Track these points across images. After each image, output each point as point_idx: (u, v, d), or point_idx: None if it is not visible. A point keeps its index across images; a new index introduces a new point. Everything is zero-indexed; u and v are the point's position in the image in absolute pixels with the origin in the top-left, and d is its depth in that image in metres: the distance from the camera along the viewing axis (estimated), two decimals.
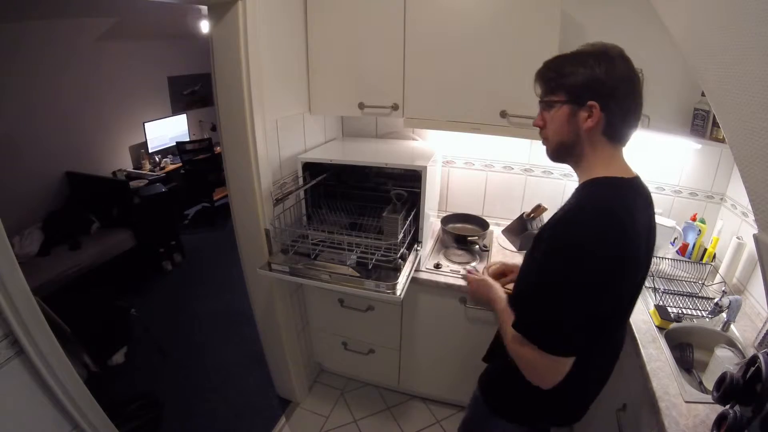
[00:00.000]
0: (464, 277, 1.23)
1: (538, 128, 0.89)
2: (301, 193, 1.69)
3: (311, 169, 1.67)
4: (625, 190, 0.81)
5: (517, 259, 1.68)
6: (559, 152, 0.87)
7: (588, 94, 0.78)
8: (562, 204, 0.86)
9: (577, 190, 0.86)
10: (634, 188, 0.83)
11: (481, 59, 1.46)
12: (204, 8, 1.44)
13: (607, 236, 0.72)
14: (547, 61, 0.86)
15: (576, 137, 0.82)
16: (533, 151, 1.88)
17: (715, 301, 1.34)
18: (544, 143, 0.89)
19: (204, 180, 4.19)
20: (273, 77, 1.47)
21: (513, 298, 0.96)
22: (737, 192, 1.60)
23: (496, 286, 1.07)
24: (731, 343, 1.27)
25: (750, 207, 0.73)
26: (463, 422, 1.24)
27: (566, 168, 0.94)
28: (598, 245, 0.72)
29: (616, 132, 0.80)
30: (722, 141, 1.36)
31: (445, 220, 1.93)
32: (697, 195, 1.73)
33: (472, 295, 1.15)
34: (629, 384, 1.31)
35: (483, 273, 1.20)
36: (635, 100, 0.79)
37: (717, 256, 1.65)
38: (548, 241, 0.80)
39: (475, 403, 1.12)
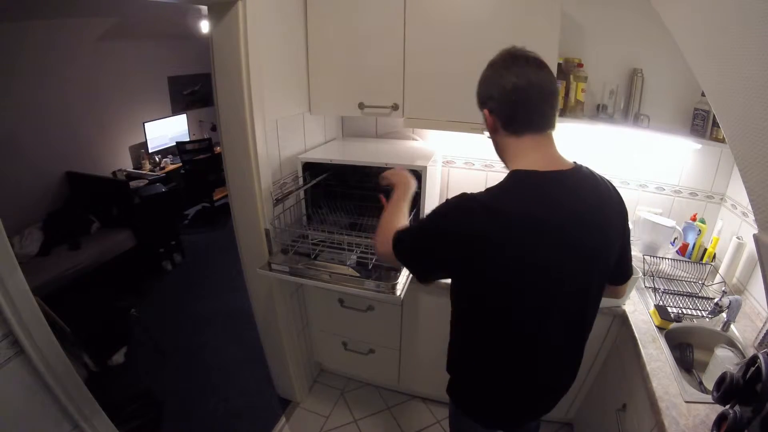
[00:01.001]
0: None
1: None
2: (301, 193, 1.69)
3: (311, 169, 1.67)
4: (528, 182, 0.81)
5: None
6: (497, 153, 0.94)
7: (479, 102, 0.90)
8: None
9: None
10: (548, 180, 0.81)
11: (482, 59, 1.45)
12: (204, 8, 1.44)
13: (460, 209, 0.81)
14: None
15: (493, 139, 0.92)
16: None
17: (715, 301, 1.34)
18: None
19: (204, 180, 4.19)
20: (273, 77, 1.47)
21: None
22: (737, 192, 1.60)
23: (409, 188, 1.21)
24: (731, 343, 1.27)
25: (750, 207, 0.73)
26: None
27: None
28: (450, 210, 0.83)
29: (514, 126, 0.85)
30: (722, 141, 1.36)
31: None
32: (697, 195, 1.73)
33: (393, 176, 1.26)
34: (629, 384, 1.31)
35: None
36: (533, 93, 0.82)
37: (717, 256, 1.65)
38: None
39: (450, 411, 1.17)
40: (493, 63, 0.88)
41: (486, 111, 0.88)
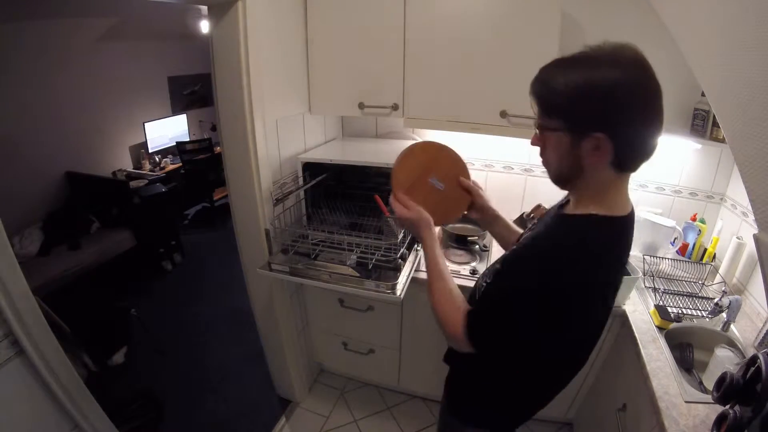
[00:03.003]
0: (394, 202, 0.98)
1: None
2: (301, 193, 1.69)
3: (311, 169, 1.67)
4: (613, 231, 0.73)
5: None
6: (560, 181, 0.76)
7: (592, 122, 0.64)
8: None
9: (561, 218, 0.79)
10: (622, 227, 0.75)
11: (482, 59, 1.46)
12: (204, 8, 1.44)
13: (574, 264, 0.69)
14: (542, 69, 0.72)
15: (579, 169, 0.70)
16: (533, 151, 1.86)
17: (715, 301, 1.34)
18: (544, 165, 0.77)
19: (204, 180, 4.19)
20: (273, 77, 1.47)
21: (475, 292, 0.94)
22: (737, 192, 1.60)
23: (433, 228, 0.95)
24: (731, 343, 1.27)
25: (750, 207, 0.73)
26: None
27: None
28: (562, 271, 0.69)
29: (627, 161, 0.67)
30: (722, 141, 1.36)
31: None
32: (697, 195, 1.73)
33: (405, 223, 0.97)
34: (629, 384, 1.31)
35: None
36: (655, 115, 0.64)
37: (717, 256, 1.65)
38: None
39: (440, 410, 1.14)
40: (633, 62, 0.63)
41: (603, 136, 0.63)
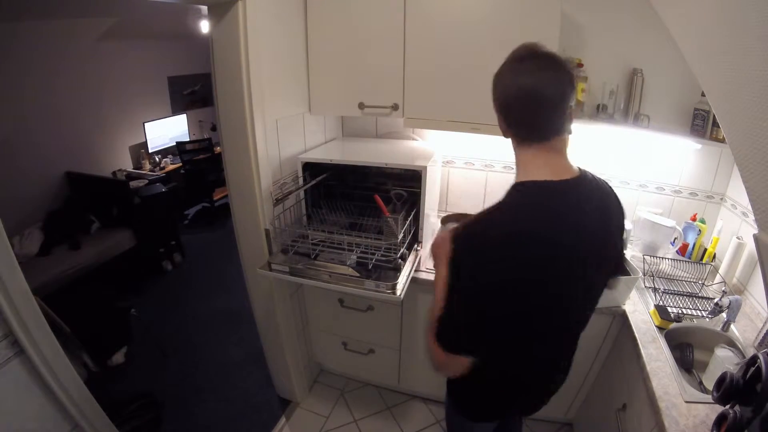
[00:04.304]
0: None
1: None
2: (301, 193, 1.69)
3: (311, 169, 1.67)
4: (543, 194, 0.78)
5: None
6: None
7: (494, 101, 0.83)
8: None
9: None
10: (553, 192, 0.78)
11: (481, 59, 1.45)
12: (204, 8, 1.44)
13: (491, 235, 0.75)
14: None
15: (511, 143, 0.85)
16: None
17: (715, 301, 1.34)
18: None
19: (204, 180, 4.19)
20: (273, 77, 1.47)
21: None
22: (737, 192, 1.60)
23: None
24: (731, 343, 1.27)
25: (750, 207, 0.73)
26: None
27: None
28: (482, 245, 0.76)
29: (522, 133, 0.81)
30: (722, 141, 1.36)
31: (446, 220, 1.93)
32: (697, 195, 1.73)
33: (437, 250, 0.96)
34: (629, 384, 1.31)
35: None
36: (528, 100, 0.77)
37: (717, 256, 1.65)
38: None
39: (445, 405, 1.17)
40: (506, 60, 0.81)
41: (498, 113, 0.83)
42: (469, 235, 0.78)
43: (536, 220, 0.75)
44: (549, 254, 0.75)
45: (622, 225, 0.92)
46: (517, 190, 0.79)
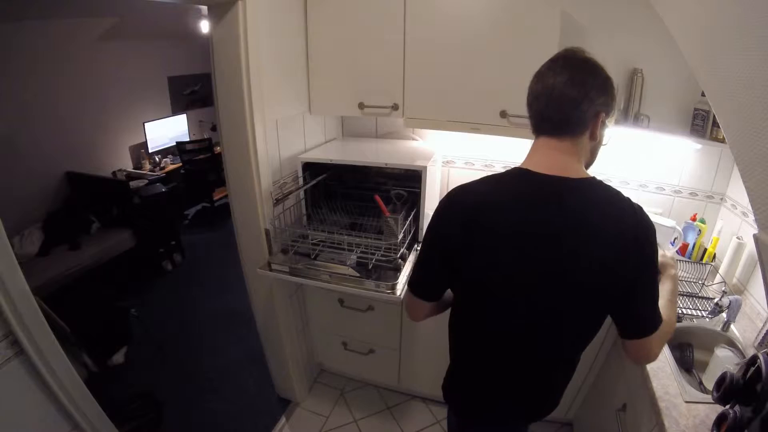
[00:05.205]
0: None
1: None
2: (301, 193, 1.69)
3: (311, 169, 1.67)
4: (506, 179, 0.85)
5: None
6: None
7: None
8: None
9: None
10: (536, 181, 0.80)
11: (481, 59, 1.46)
12: (204, 8, 1.44)
13: (440, 209, 0.88)
14: None
15: None
16: None
17: (715, 301, 1.34)
18: None
19: (204, 180, 4.19)
20: (273, 77, 1.47)
21: None
22: (737, 192, 1.60)
23: None
24: (731, 343, 1.27)
25: (750, 207, 0.73)
26: None
27: None
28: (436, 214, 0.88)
29: (533, 124, 0.87)
30: (722, 141, 1.36)
31: None
32: (697, 195, 1.73)
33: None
34: (629, 384, 1.31)
35: None
36: (542, 95, 0.82)
37: (717, 256, 1.65)
38: None
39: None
40: (550, 61, 0.86)
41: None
42: (446, 195, 0.89)
43: (494, 193, 0.83)
44: (493, 229, 0.80)
45: (639, 255, 0.76)
46: (506, 170, 0.87)
